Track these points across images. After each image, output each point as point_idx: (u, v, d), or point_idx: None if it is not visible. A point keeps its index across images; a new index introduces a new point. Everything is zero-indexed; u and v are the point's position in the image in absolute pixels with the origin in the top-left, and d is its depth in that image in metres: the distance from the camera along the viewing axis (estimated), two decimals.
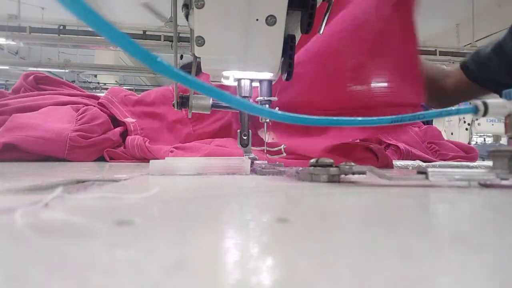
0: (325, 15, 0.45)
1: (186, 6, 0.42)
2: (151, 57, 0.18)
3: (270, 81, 0.47)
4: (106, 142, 0.81)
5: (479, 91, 0.73)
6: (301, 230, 0.13)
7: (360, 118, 0.27)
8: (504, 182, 0.26)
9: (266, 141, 0.52)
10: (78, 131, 0.76)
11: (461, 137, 2.89)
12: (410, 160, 0.88)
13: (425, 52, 4.45)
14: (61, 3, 0.15)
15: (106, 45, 4.79)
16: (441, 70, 0.80)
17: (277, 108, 0.40)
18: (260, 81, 0.47)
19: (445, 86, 0.75)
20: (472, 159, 1.01)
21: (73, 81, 5.44)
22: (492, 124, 3.04)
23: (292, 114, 0.25)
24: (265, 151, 0.50)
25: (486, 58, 0.71)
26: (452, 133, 3.06)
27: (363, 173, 0.28)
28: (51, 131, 0.74)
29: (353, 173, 0.28)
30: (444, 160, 0.98)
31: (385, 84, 0.39)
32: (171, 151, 0.71)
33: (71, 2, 0.15)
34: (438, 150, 1.03)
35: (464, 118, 2.97)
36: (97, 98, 0.97)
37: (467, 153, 1.04)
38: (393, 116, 0.27)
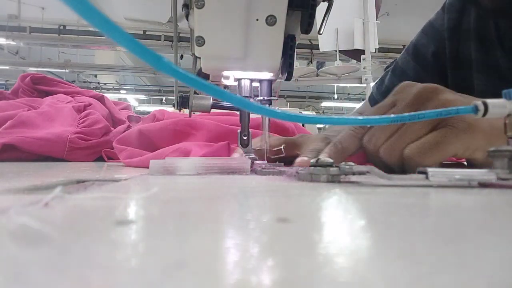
0: (325, 15, 0.45)
1: (186, 6, 0.42)
2: (155, 56, 0.18)
3: (270, 81, 0.47)
4: (106, 144, 0.81)
5: None
6: (301, 230, 0.13)
7: (360, 117, 0.27)
8: (504, 182, 0.26)
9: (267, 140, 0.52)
10: (79, 133, 0.77)
11: None
12: None
13: None
14: (66, 3, 0.15)
15: (106, 45, 4.80)
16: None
17: None
18: (260, 81, 0.47)
19: None
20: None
21: (73, 81, 5.45)
22: None
23: (292, 113, 0.25)
24: (265, 151, 0.49)
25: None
26: None
27: (363, 173, 0.28)
28: (52, 133, 0.75)
29: (353, 173, 0.28)
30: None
31: None
32: None
33: (76, 2, 0.15)
34: None
35: None
36: (96, 96, 0.97)
37: None
38: (393, 116, 0.27)
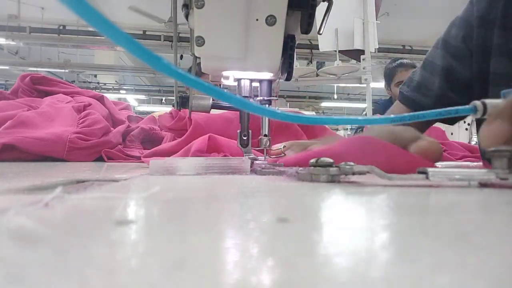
0: (325, 15, 0.45)
1: (186, 6, 0.42)
2: (154, 57, 0.17)
3: (270, 81, 0.47)
4: (106, 144, 0.81)
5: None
6: (301, 230, 0.13)
7: (360, 118, 0.27)
8: (504, 182, 0.26)
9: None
10: (78, 133, 0.77)
11: (461, 137, 2.89)
12: None
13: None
14: (65, 4, 0.15)
15: (106, 45, 4.80)
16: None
17: None
18: (260, 81, 0.47)
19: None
20: (478, 159, 1.01)
21: (73, 81, 5.44)
22: None
23: (291, 114, 0.25)
24: (265, 151, 0.49)
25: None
26: (452, 133, 3.06)
27: (363, 173, 0.28)
28: (51, 133, 0.75)
29: (353, 173, 0.28)
30: (454, 160, 0.98)
31: None
32: None
33: (75, 2, 0.15)
34: (446, 149, 1.03)
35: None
36: (95, 96, 0.98)
37: (472, 153, 1.04)
38: (393, 116, 0.27)
